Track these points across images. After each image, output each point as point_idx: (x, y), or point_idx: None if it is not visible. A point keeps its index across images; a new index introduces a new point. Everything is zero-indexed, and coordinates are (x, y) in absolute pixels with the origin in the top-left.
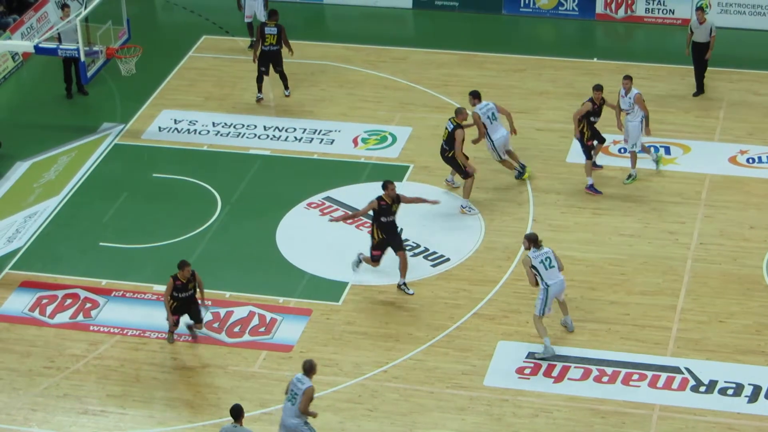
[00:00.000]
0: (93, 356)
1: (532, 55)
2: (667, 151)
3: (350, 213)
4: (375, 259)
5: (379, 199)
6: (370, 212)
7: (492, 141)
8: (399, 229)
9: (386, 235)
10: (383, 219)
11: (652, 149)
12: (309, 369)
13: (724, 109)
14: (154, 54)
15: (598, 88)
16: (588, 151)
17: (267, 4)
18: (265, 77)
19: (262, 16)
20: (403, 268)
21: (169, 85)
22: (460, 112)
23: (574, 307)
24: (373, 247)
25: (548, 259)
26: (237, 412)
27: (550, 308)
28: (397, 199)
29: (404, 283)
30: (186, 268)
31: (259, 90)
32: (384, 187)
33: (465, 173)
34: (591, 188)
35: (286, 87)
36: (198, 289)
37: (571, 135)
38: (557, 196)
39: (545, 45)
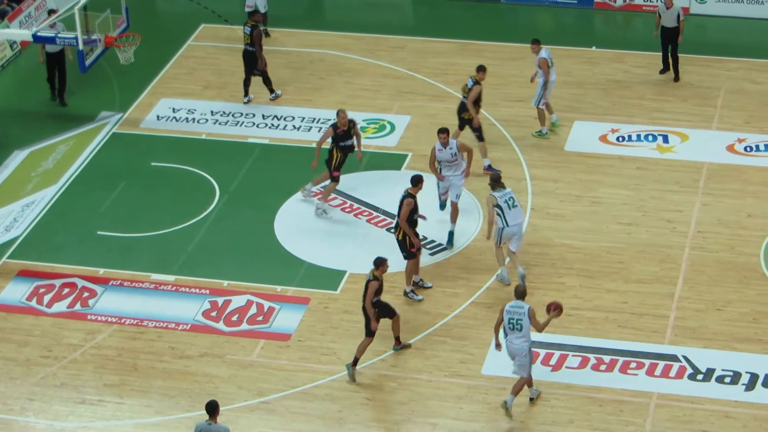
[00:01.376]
0: (90, 345)
1: (531, 43)
2: (665, 139)
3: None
4: (335, 180)
5: (335, 126)
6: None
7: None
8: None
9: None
10: (341, 143)
11: (553, 116)
12: (522, 293)
13: (721, 98)
14: (152, 42)
15: (481, 68)
16: (481, 133)
17: None
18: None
19: (263, 7)
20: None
21: (167, 74)
22: (481, 69)
23: (573, 296)
24: (334, 168)
25: (511, 199)
26: (212, 408)
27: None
28: (353, 124)
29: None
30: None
31: (245, 93)
32: (336, 114)
33: (480, 133)
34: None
35: (270, 90)
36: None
37: (570, 123)
38: (555, 184)
39: (544, 33)
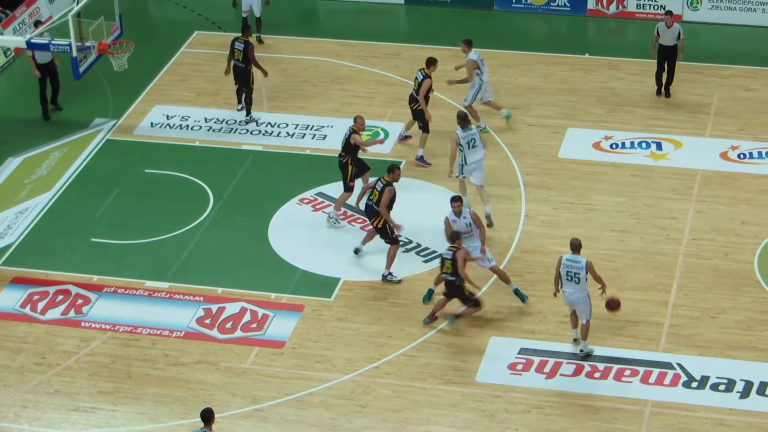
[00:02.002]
0: (84, 353)
1: (524, 50)
2: (659, 146)
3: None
4: (350, 190)
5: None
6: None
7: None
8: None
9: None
10: (358, 155)
11: (503, 111)
12: (578, 246)
13: (715, 105)
14: (146, 49)
15: (432, 62)
16: (426, 126)
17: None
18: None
19: (258, 12)
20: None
21: (161, 81)
22: (431, 63)
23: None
24: (350, 179)
25: (473, 140)
26: (207, 416)
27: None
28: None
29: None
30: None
31: (239, 101)
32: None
33: (426, 125)
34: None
35: (245, 108)
36: None
37: (563, 130)
38: (549, 191)
39: (537, 41)
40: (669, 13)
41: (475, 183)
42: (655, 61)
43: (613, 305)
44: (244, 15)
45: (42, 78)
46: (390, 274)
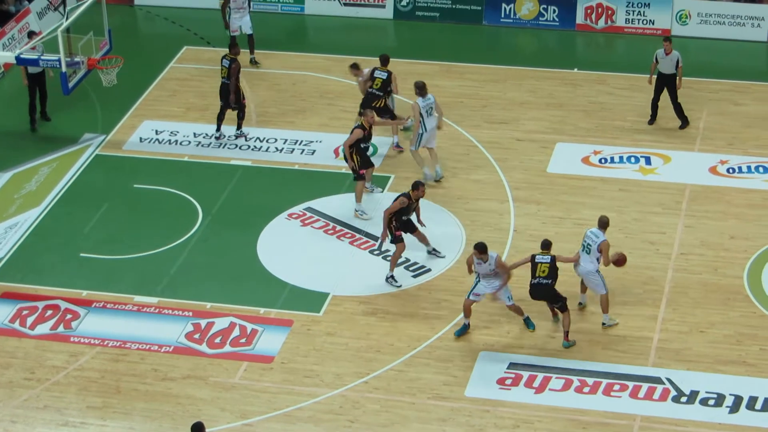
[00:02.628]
0: (73, 368)
1: (513, 65)
2: (648, 161)
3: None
4: (400, 240)
5: (408, 197)
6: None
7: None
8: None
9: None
10: (404, 217)
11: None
12: (605, 224)
13: (704, 119)
14: (135, 65)
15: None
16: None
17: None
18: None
19: (248, 28)
20: (423, 239)
21: (150, 96)
22: (364, 114)
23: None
24: (394, 238)
25: (431, 108)
26: (198, 430)
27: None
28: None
29: (433, 249)
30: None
31: (218, 127)
32: (415, 187)
33: (357, 174)
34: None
35: (238, 126)
36: None
37: (552, 145)
38: (538, 206)
39: (526, 55)
40: (668, 39)
41: (429, 147)
42: (652, 84)
43: (619, 263)
44: (233, 34)
45: (31, 87)
46: (392, 277)
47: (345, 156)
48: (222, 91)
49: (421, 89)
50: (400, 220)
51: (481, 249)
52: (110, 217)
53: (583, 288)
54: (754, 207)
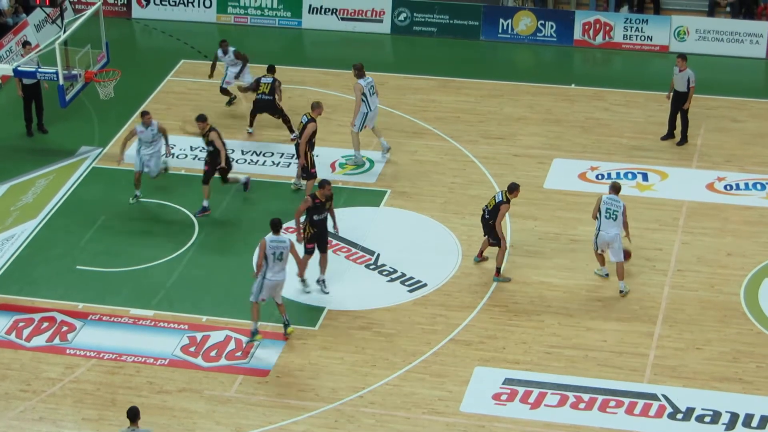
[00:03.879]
0: (69, 380)
1: (510, 80)
2: (645, 177)
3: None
4: (309, 252)
5: (313, 197)
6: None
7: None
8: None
9: (317, 230)
10: (315, 217)
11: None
12: (617, 188)
13: (701, 136)
14: (132, 78)
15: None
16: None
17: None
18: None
19: (232, 79)
20: (323, 264)
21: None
22: (317, 106)
23: (551, 334)
24: (308, 241)
25: (372, 87)
26: (134, 414)
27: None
28: (330, 198)
29: (323, 280)
30: None
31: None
32: (321, 185)
33: (308, 173)
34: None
35: (291, 130)
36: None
37: (549, 161)
38: (534, 222)
39: (523, 71)
40: (682, 56)
41: (371, 126)
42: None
43: (627, 256)
44: (225, 86)
45: (26, 98)
46: (303, 281)
47: (298, 153)
48: (264, 106)
49: (359, 70)
50: (314, 222)
51: None
52: (106, 230)
53: (602, 260)
54: (751, 224)
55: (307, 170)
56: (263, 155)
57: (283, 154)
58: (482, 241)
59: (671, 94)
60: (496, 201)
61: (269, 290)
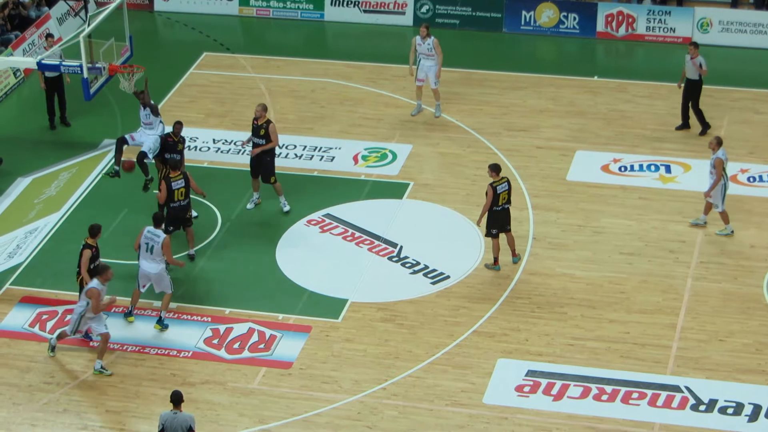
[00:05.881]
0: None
1: (533, 73)
2: (668, 169)
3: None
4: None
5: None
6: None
7: None
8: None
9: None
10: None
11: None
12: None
13: (724, 128)
14: (155, 70)
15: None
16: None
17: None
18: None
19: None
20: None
21: (170, 102)
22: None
23: (574, 326)
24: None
25: (430, 47)
26: (177, 398)
27: None
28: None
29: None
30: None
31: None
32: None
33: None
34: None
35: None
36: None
37: (572, 153)
38: (557, 214)
39: (546, 63)
40: (693, 44)
41: (433, 87)
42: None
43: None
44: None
45: (48, 91)
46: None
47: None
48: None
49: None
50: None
51: None
52: (129, 223)
53: (707, 208)
54: None
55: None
56: (285, 148)
57: (305, 147)
58: (507, 240)
59: (683, 83)
60: (508, 187)
61: (143, 278)
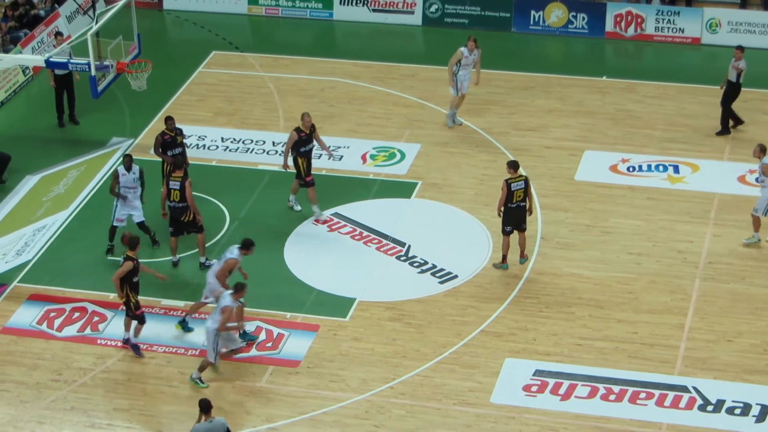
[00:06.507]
0: (100, 370)
1: (542, 72)
2: (676, 169)
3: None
4: (140, 320)
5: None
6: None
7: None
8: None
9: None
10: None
11: None
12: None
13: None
14: (163, 69)
15: (302, 117)
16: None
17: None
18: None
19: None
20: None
21: (178, 100)
22: (302, 117)
23: (582, 326)
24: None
25: (474, 62)
26: (207, 406)
27: None
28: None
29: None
30: None
31: None
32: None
33: (304, 181)
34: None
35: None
36: None
37: (580, 153)
38: (565, 214)
39: (554, 63)
40: (739, 47)
41: (463, 92)
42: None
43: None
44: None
45: (58, 89)
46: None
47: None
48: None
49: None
50: (133, 285)
51: None
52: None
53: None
54: None
55: (302, 177)
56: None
57: (314, 146)
58: (519, 239)
59: (724, 85)
60: (524, 185)
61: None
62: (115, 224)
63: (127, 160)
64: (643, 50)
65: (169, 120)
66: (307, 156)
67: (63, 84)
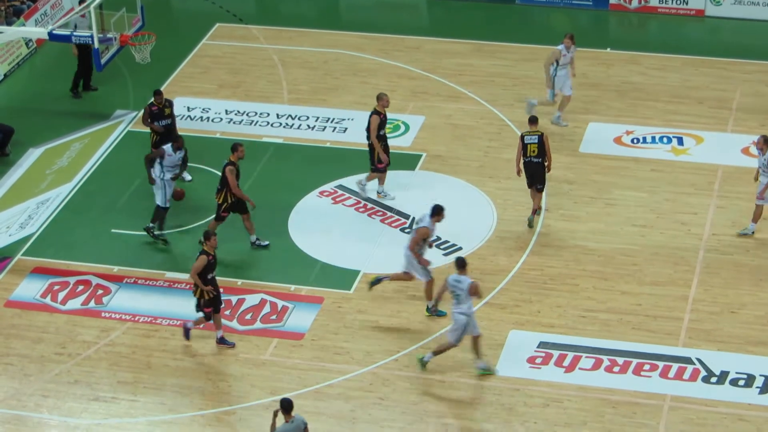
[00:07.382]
0: (104, 343)
1: (546, 44)
2: (680, 141)
3: None
4: (207, 318)
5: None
6: None
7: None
8: None
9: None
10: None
11: None
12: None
13: (737, 100)
14: (167, 41)
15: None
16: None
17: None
18: None
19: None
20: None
21: (182, 73)
22: (380, 98)
23: (586, 297)
24: (205, 305)
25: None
26: (289, 405)
27: None
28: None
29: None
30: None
31: None
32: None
33: (376, 167)
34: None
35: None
36: None
37: (584, 125)
38: (570, 186)
39: (559, 35)
40: None
41: (567, 94)
42: None
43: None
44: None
45: (81, 56)
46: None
47: (372, 147)
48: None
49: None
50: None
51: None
52: (141, 194)
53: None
54: None
55: (376, 162)
56: (298, 119)
57: (318, 118)
58: (532, 196)
59: None
60: (538, 140)
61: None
62: (167, 205)
63: (180, 143)
64: (647, 22)
65: (157, 94)
66: (384, 139)
67: (85, 52)
